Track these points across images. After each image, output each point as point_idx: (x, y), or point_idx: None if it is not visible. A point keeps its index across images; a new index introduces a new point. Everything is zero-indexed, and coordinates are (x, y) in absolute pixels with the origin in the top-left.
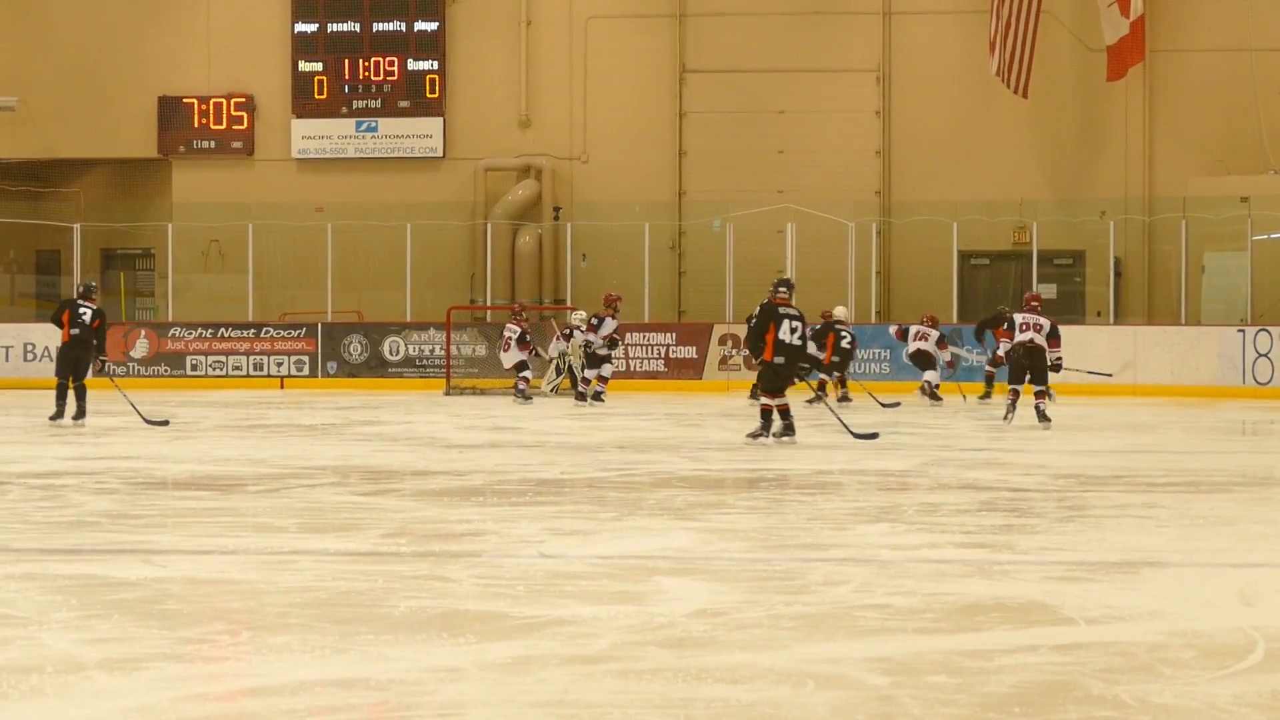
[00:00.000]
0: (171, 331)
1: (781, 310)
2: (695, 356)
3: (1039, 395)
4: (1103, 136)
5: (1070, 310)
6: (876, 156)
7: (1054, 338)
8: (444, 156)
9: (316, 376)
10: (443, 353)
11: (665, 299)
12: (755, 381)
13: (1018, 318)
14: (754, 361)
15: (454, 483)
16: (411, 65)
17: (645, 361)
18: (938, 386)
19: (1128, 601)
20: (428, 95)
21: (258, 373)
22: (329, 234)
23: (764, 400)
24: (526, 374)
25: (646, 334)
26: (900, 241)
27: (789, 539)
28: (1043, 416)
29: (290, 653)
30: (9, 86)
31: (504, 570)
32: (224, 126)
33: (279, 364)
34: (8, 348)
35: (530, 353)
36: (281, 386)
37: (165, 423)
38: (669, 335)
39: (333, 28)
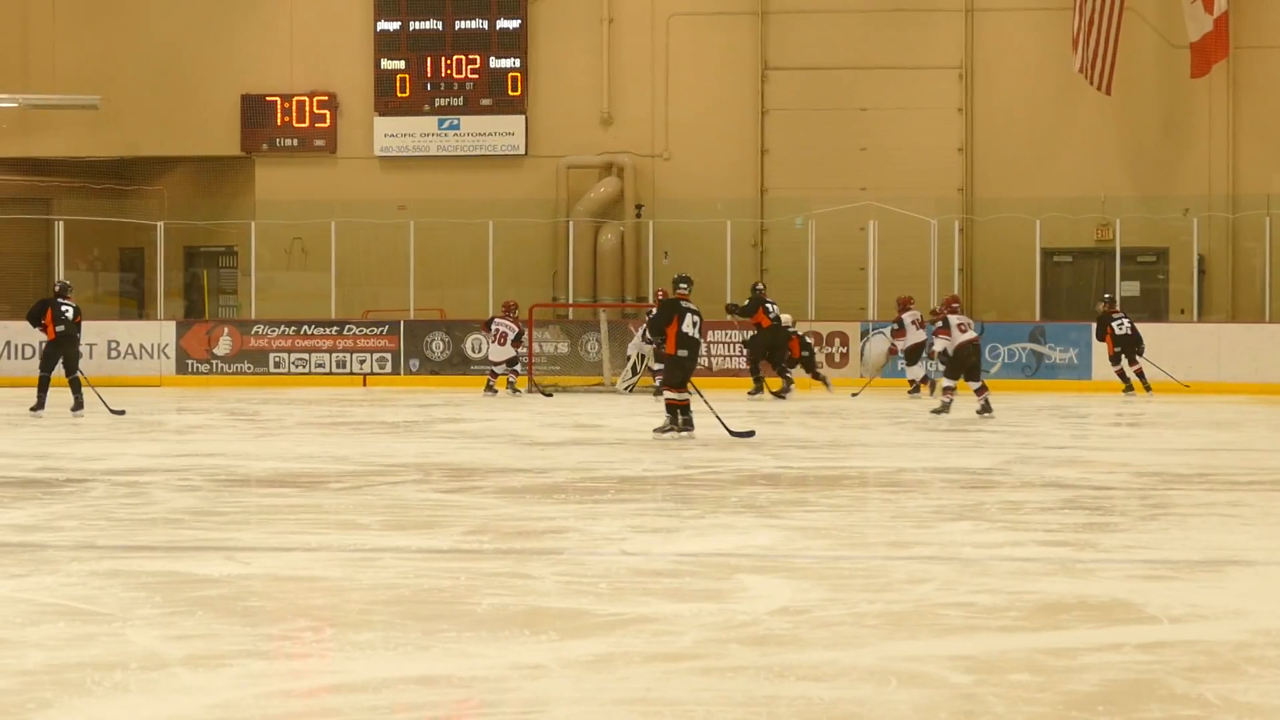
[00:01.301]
0: (254, 329)
1: (684, 305)
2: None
3: (979, 392)
4: (1186, 133)
5: (1153, 308)
6: (959, 153)
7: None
8: (526, 154)
9: (399, 374)
10: (527, 351)
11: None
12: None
13: (954, 319)
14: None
15: (536, 480)
16: (493, 63)
17: (727, 359)
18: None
19: (1212, 600)
20: (510, 93)
21: (340, 370)
22: (411, 232)
23: (669, 395)
24: (517, 368)
25: (729, 331)
26: (982, 239)
27: (872, 537)
28: (987, 408)
29: (373, 650)
30: (93, 85)
31: (586, 567)
32: (307, 124)
33: (361, 361)
34: (91, 345)
35: (521, 350)
36: (364, 384)
37: (122, 412)
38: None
39: (415, 26)
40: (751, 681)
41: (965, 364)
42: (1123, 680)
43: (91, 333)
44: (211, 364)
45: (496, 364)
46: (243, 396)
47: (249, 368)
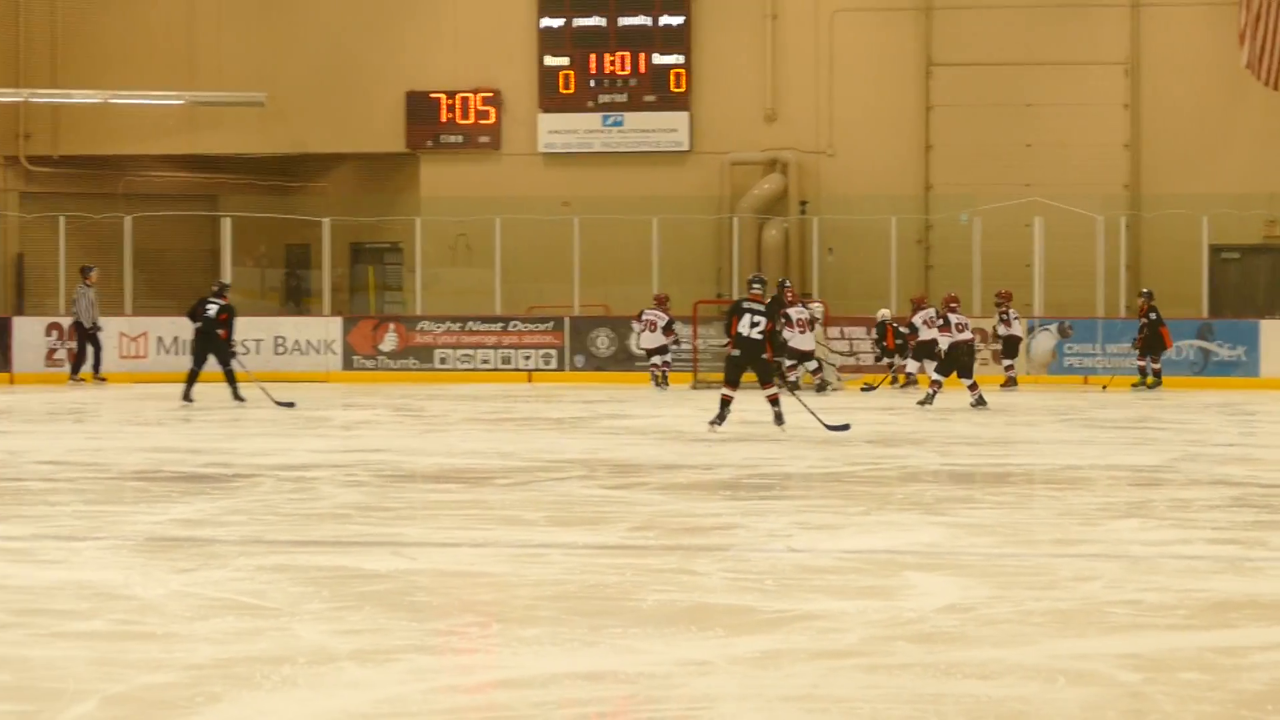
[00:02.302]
0: (420, 325)
1: (746, 305)
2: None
3: (972, 388)
4: None
5: None
6: (1125, 150)
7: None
8: (690, 150)
9: (563, 370)
10: (689, 346)
11: (912, 293)
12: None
13: (953, 318)
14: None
15: (702, 476)
16: (657, 60)
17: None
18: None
19: None
20: (673, 90)
21: (505, 366)
22: (575, 228)
23: (724, 391)
24: (667, 358)
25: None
26: (1149, 235)
27: (1038, 534)
28: (981, 402)
29: (539, 645)
30: (259, 83)
31: (752, 564)
32: (471, 121)
33: (526, 357)
34: (259, 340)
35: (672, 340)
36: (529, 380)
37: (291, 404)
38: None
39: (579, 23)
40: (917, 679)
41: (958, 362)
42: None
43: (258, 329)
44: (377, 360)
45: (649, 351)
46: (408, 392)
47: (414, 364)
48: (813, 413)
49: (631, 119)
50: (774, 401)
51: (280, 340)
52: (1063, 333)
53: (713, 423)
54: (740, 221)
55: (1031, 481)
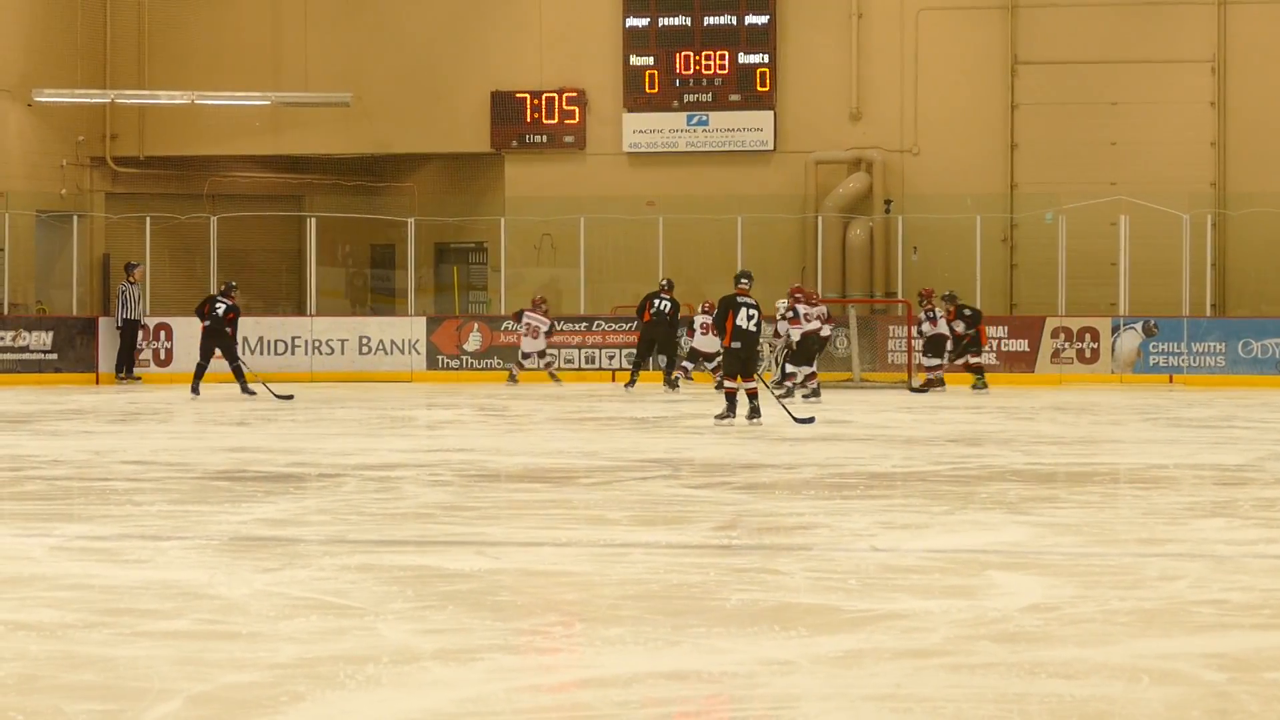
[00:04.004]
0: (504, 325)
1: (740, 300)
2: (1027, 349)
3: (809, 378)
4: None
5: None
6: (1211, 148)
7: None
8: (774, 150)
9: (647, 369)
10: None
11: (997, 292)
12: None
13: (801, 309)
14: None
15: (785, 475)
16: (742, 59)
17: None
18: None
19: None
20: (758, 89)
21: (589, 365)
22: (660, 227)
23: (727, 384)
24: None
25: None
26: (1237, 234)
27: (1123, 533)
28: (816, 393)
29: (623, 644)
30: (344, 83)
31: (836, 563)
32: (556, 121)
33: (610, 356)
34: (343, 340)
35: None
36: (613, 379)
37: (290, 396)
38: (1001, 328)
39: (664, 22)
40: (1002, 679)
41: (807, 352)
42: None
43: (342, 329)
44: (462, 359)
45: (528, 355)
46: (492, 392)
47: (499, 363)
48: (784, 406)
49: (716, 118)
50: (753, 396)
51: (365, 340)
52: (1147, 331)
53: (724, 417)
54: (824, 221)
55: (1116, 481)
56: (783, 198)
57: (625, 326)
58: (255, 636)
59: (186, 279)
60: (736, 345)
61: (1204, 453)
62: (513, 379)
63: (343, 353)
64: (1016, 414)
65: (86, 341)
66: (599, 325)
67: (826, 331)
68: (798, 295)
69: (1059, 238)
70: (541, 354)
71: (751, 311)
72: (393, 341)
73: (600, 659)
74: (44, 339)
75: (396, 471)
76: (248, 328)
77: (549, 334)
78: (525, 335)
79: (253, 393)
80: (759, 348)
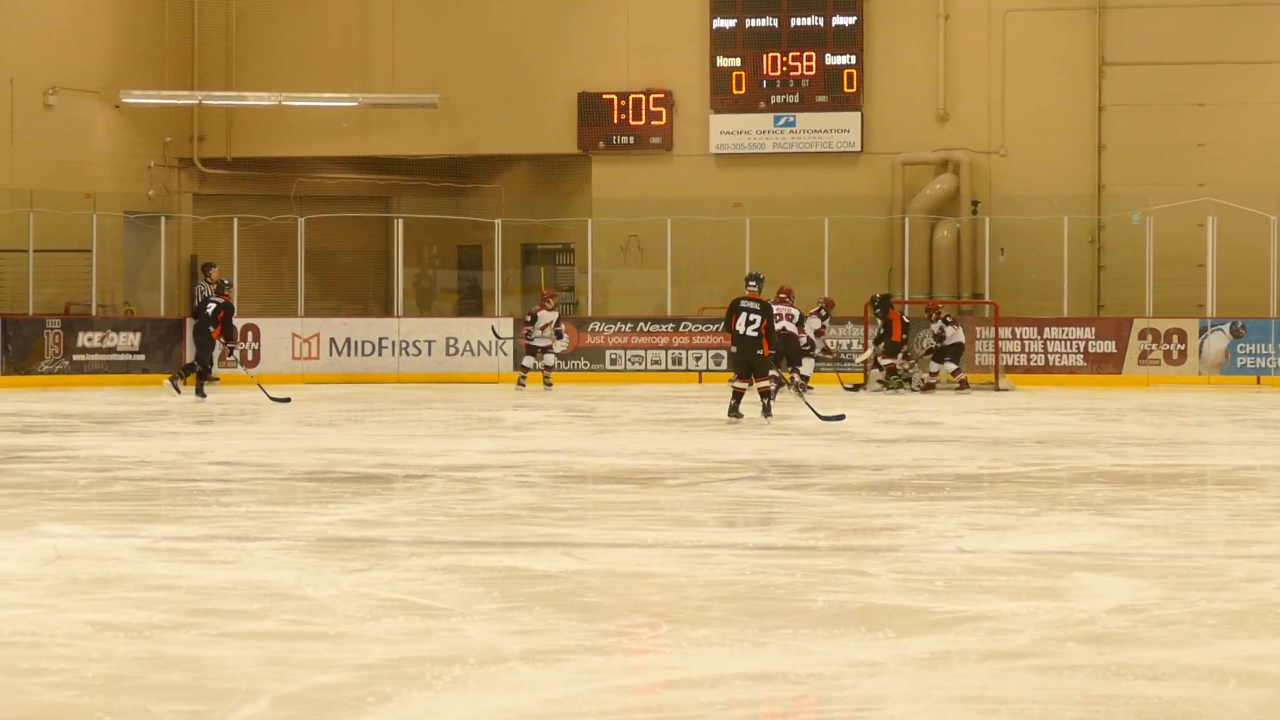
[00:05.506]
0: (591, 326)
1: (743, 304)
2: (1114, 351)
3: (792, 373)
4: None
5: None
6: None
7: (801, 325)
8: (861, 151)
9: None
10: (859, 347)
11: (1084, 293)
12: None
13: (776, 308)
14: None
15: (871, 477)
16: (829, 60)
17: (1064, 356)
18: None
19: None
20: (845, 90)
21: (676, 367)
22: (746, 229)
23: (735, 384)
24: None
25: (1065, 328)
26: None
27: (1210, 535)
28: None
29: (709, 646)
30: (432, 84)
31: (922, 565)
32: (643, 122)
33: (697, 358)
34: (430, 342)
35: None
36: (700, 380)
37: (287, 399)
38: (1088, 329)
39: (751, 23)
40: (1089, 680)
41: (789, 354)
42: None
43: (429, 330)
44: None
45: (541, 349)
46: (579, 393)
47: (585, 364)
48: (810, 406)
49: (803, 119)
50: (765, 394)
51: (452, 341)
52: (1235, 333)
53: (732, 416)
54: (911, 222)
55: (1203, 482)
56: (869, 199)
57: (712, 328)
58: (342, 637)
59: (274, 280)
60: (733, 350)
61: None
62: (530, 384)
63: (429, 354)
64: (1103, 415)
65: (174, 342)
66: (685, 327)
67: (791, 328)
68: (781, 296)
69: (1146, 239)
70: (548, 349)
71: (753, 316)
72: (479, 343)
73: (686, 660)
74: (132, 340)
75: (483, 472)
76: (334, 329)
77: (558, 326)
78: (541, 335)
79: (205, 395)
80: (759, 351)
